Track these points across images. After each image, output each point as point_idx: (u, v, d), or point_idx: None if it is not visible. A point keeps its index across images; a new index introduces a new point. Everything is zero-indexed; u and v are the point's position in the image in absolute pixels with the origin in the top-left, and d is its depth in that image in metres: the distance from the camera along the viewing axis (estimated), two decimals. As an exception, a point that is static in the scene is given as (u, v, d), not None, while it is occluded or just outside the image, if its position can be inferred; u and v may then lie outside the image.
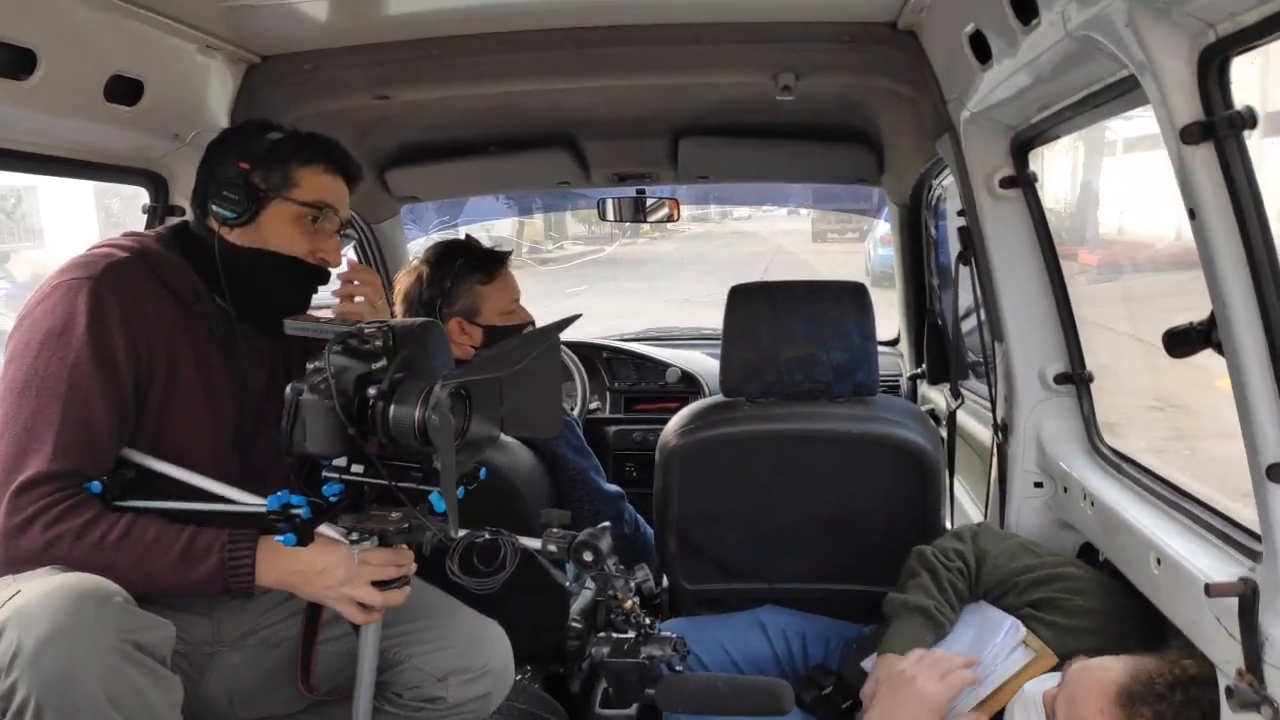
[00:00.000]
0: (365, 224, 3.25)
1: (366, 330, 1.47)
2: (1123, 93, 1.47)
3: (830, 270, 18.38)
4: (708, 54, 2.21)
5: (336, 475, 1.53)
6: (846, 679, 2.07)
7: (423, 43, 2.21)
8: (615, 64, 2.28)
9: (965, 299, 2.50)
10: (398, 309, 2.50)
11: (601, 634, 1.61)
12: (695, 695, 1.66)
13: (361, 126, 2.66)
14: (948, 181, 2.86)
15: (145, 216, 2.24)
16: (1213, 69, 1.16)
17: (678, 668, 1.60)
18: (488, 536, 1.54)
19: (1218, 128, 1.16)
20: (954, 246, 2.42)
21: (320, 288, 1.85)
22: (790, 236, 27.79)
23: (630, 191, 3.50)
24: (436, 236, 3.83)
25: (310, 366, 1.46)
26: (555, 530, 1.54)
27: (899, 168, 2.92)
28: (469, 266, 2.42)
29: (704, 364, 3.68)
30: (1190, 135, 1.19)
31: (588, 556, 1.51)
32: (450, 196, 3.66)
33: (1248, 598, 1.23)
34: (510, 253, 2.54)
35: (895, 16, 2.05)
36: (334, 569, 1.56)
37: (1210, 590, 1.26)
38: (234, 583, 1.54)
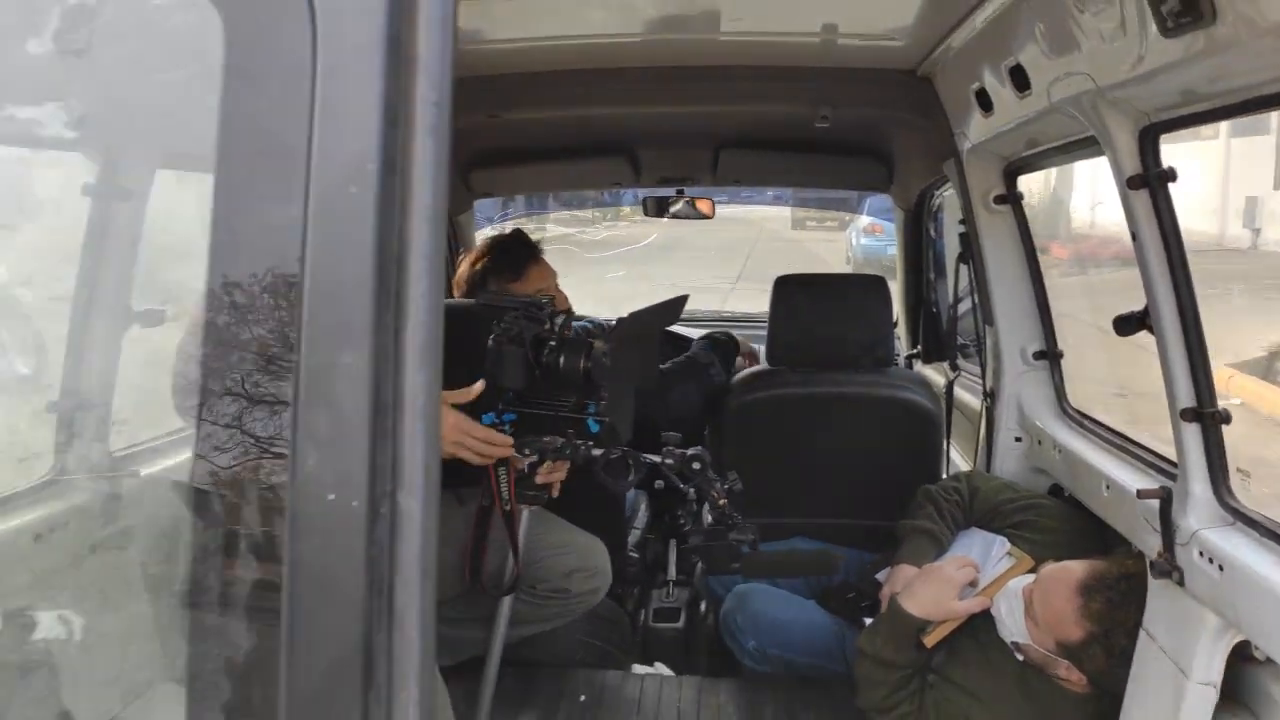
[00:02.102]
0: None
1: (544, 301, 2.00)
2: (1087, 146, 2.02)
3: (813, 258, 18.86)
4: (761, 89, 2.74)
5: (515, 407, 2.03)
6: (864, 588, 2.63)
7: (531, 75, 2.72)
8: (681, 95, 2.80)
9: (954, 291, 3.07)
10: (456, 292, 3.00)
11: (691, 528, 2.08)
12: (770, 564, 2.22)
13: (459, 135, 3.15)
14: (947, 193, 3.41)
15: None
16: (1149, 140, 1.71)
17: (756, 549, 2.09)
18: (618, 454, 2.03)
19: (1151, 180, 1.71)
20: (949, 247, 2.98)
21: None
22: (770, 224, 28.25)
23: (669, 191, 4.02)
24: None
25: (500, 327, 1.97)
26: (672, 448, 2.04)
27: (906, 181, 3.47)
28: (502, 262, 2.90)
29: None
30: (1133, 183, 1.74)
31: (696, 465, 2.02)
32: (521, 193, 4.18)
33: (1165, 500, 1.79)
34: (537, 244, 3.02)
35: (916, 66, 2.59)
36: (443, 435, 1.97)
37: (1140, 494, 1.83)
38: None
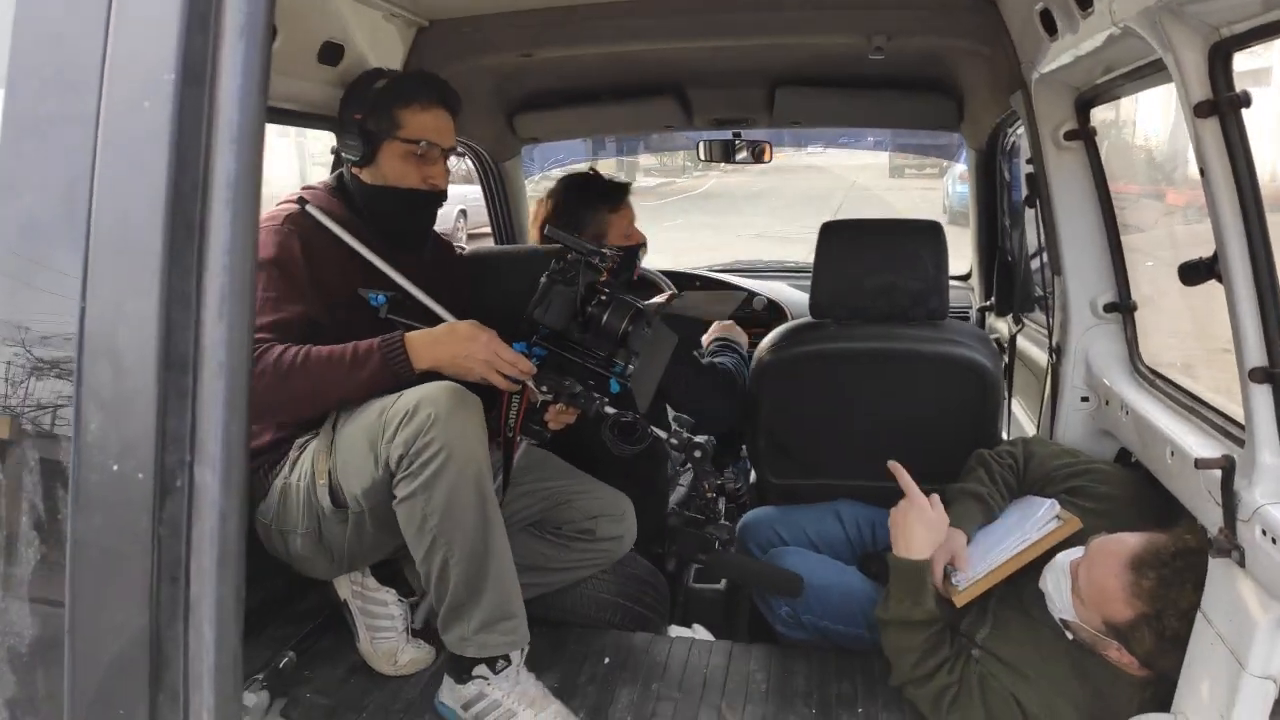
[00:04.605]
0: (493, 162, 3.66)
1: (607, 253, 1.97)
2: (1158, 70, 1.78)
3: (908, 207, 18.20)
4: (810, 18, 2.54)
5: (547, 344, 2.04)
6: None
7: (563, 9, 2.58)
8: (726, 27, 2.62)
9: (1034, 238, 2.82)
10: (533, 234, 2.91)
11: (677, 511, 2.13)
12: (733, 567, 2.23)
13: (500, 79, 3.05)
14: (1022, 130, 3.14)
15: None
16: (1219, 60, 1.47)
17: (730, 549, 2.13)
18: (630, 418, 1.98)
19: (1221, 105, 1.48)
20: (1025, 190, 2.73)
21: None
22: (866, 172, 27.19)
23: (725, 134, 3.83)
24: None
25: (557, 265, 1.97)
26: (679, 429, 2.04)
27: (976, 117, 3.20)
28: (598, 196, 2.81)
29: (787, 293, 4.04)
30: (1201, 110, 1.51)
31: (697, 454, 2.02)
32: (568, 138, 4.05)
33: (1228, 470, 1.58)
34: (630, 184, 2.91)
35: None
36: (475, 353, 1.96)
37: (1198, 463, 1.62)
38: (396, 368, 1.94)
